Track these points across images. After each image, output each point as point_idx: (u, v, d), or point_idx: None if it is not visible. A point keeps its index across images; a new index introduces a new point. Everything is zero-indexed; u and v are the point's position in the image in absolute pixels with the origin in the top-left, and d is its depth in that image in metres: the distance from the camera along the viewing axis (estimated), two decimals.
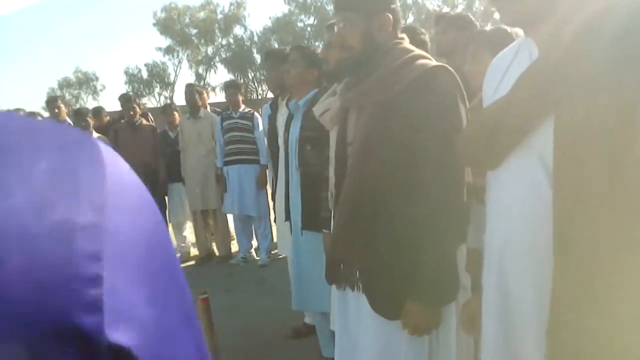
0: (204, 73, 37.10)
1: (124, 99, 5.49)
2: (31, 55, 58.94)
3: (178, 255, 5.62)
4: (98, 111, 7.18)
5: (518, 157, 1.11)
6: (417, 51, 1.62)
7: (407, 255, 1.50)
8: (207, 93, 6.26)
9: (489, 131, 1.16)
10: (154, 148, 5.41)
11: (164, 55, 37.69)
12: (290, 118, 2.69)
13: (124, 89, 38.41)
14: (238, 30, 36.48)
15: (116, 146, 5.29)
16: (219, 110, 5.76)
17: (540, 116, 1.04)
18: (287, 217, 2.71)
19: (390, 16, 1.60)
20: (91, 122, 5.35)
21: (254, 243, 5.38)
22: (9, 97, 52.19)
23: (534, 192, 1.07)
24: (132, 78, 37.75)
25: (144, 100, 34.53)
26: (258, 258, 5.21)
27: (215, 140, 5.24)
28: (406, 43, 1.67)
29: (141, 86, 36.94)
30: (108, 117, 6.89)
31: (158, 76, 37.88)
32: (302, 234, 2.50)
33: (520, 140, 1.09)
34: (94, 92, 37.27)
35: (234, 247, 5.54)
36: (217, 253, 5.55)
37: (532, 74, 1.07)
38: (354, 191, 1.58)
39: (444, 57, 2.67)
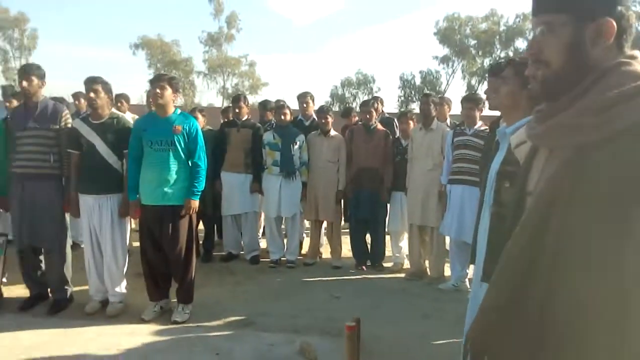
0: (477, 85, 36.36)
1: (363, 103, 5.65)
2: (322, 56, 66.65)
3: (391, 264, 5.53)
4: (348, 111, 7.61)
5: None
6: None
7: None
8: (450, 105, 5.97)
9: None
10: (385, 153, 5.41)
11: (439, 64, 38.26)
12: (496, 146, 2.26)
13: (396, 92, 40.45)
14: (520, 43, 34.58)
15: (350, 146, 5.47)
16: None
17: None
18: (472, 260, 2.31)
19: (614, 23, 1.11)
20: (331, 119, 5.56)
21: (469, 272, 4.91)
22: (299, 86, 60.45)
23: None
24: (405, 83, 39.40)
25: (412, 105, 35.58)
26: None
27: (444, 155, 4.94)
28: (638, 65, 1.14)
29: (412, 92, 38.21)
30: (356, 118, 7.20)
31: (430, 84, 38.63)
32: (480, 285, 2.08)
33: None
34: (369, 93, 40.04)
35: (447, 270, 5.16)
36: (428, 272, 5.26)
37: None
38: (519, 264, 1.16)
39: None
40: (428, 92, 6.11)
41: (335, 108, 31.03)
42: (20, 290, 4.31)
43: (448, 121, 5.88)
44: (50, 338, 3.53)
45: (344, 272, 5.37)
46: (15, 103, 5.45)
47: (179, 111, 4.03)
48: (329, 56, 66.40)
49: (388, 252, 5.70)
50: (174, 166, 3.88)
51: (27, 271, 4.14)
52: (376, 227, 5.53)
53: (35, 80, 3.98)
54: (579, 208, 1.05)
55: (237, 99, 5.82)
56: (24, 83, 3.96)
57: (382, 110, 7.80)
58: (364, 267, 5.48)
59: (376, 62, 66.04)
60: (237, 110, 5.66)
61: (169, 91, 3.91)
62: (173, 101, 3.99)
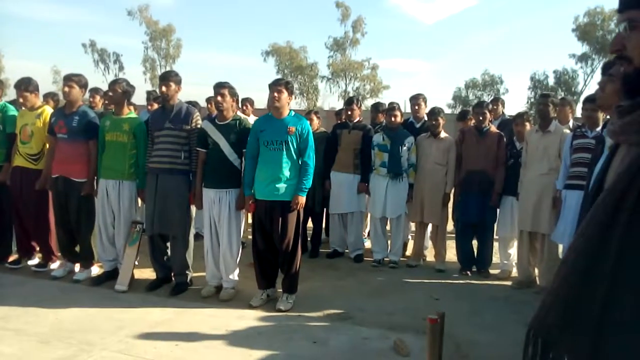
0: None
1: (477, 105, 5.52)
2: (448, 56, 64.88)
3: (498, 272, 5.36)
4: (463, 114, 7.44)
5: None
6: None
7: None
8: (572, 106, 5.60)
9: None
10: (496, 156, 5.25)
11: (576, 63, 35.47)
12: (602, 147, 2.16)
13: (526, 93, 38.19)
14: None
15: (460, 148, 5.39)
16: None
17: None
18: None
19: None
20: (442, 121, 5.50)
21: None
22: (421, 88, 59.47)
23: None
24: (537, 84, 37.07)
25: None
26: None
27: (562, 158, 4.68)
28: None
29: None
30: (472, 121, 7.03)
31: (565, 84, 35.97)
32: None
33: None
34: (496, 94, 38.29)
35: None
36: (537, 282, 5.01)
37: None
38: (585, 259, 1.16)
39: None
40: (546, 92, 5.77)
41: (457, 111, 30.11)
42: (148, 273, 4.89)
43: (571, 123, 5.52)
44: (171, 316, 3.99)
45: (447, 276, 5.31)
46: (155, 106, 6.16)
47: (293, 113, 4.32)
48: (455, 57, 64.52)
49: (496, 258, 5.52)
50: (286, 164, 4.17)
51: (155, 256, 4.69)
52: (484, 232, 5.38)
53: (172, 86, 4.51)
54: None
55: (349, 101, 6.02)
56: (163, 88, 4.50)
57: (503, 112, 7.53)
58: (468, 273, 5.36)
59: (505, 62, 62.70)
60: (349, 113, 5.85)
61: (285, 94, 4.21)
62: (288, 104, 4.29)
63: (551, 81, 36.48)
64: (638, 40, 1.12)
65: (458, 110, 31.19)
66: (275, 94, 4.18)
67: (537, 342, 1.29)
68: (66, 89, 4.69)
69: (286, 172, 4.17)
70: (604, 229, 1.11)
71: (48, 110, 5.06)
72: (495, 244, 5.56)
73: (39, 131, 4.93)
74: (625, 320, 1.05)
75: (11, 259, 5.18)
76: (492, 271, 5.40)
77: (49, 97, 6.93)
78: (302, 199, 4.22)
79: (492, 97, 34.74)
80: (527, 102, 37.00)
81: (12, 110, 5.16)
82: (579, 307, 1.14)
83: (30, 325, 3.71)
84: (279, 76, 36.56)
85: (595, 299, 1.10)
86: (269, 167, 4.18)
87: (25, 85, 4.94)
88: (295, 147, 4.20)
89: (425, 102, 6.09)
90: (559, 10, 60.32)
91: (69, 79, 4.71)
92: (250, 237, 4.96)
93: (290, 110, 4.32)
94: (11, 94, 5.56)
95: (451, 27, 63.22)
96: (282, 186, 4.16)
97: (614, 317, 1.07)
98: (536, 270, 5.07)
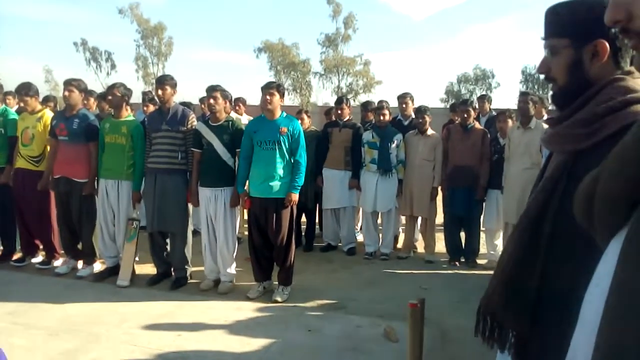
0: None
1: (461, 103, 5.72)
2: (439, 51, 65.16)
3: (485, 262, 5.59)
4: (455, 107, 7.64)
5: None
6: None
7: None
8: (545, 104, 5.83)
9: None
10: (481, 152, 5.47)
11: None
12: None
13: (518, 87, 38.48)
14: None
15: (447, 144, 5.61)
16: None
17: None
18: None
19: (606, 44, 1.29)
20: (428, 119, 5.73)
21: None
22: (414, 83, 59.98)
23: None
24: (528, 77, 37.38)
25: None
26: None
27: (542, 154, 4.90)
28: (631, 80, 1.31)
29: (536, 86, 36.11)
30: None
31: None
32: None
33: None
34: (488, 89, 38.57)
35: None
36: None
37: None
38: (523, 239, 1.38)
39: None
40: (525, 90, 5.99)
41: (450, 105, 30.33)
42: (149, 269, 5.09)
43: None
44: (172, 309, 4.19)
45: (436, 266, 5.54)
46: (151, 108, 6.31)
47: (284, 114, 4.52)
48: (446, 51, 64.79)
49: (483, 249, 5.75)
50: (279, 163, 4.38)
51: (155, 252, 4.88)
52: (470, 224, 5.61)
53: (168, 89, 4.69)
54: (569, 204, 1.27)
55: (339, 101, 6.21)
56: (159, 92, 4.69)
57: (490, 109, 7.73)
58: (457, 263, 5.60)
59: (496, 56, 63.16)
60: (339, 112, 6.04)
61: (276, 97, 4.42)
62: (280, 106, 4.50)
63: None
64: (559, 64, 1.36)
65: (451, 104, 31.45)
66: (268, 97, 4.38)
67: (486, 319, 1.52)
68: (66, 93, 4.86)
69: (279, 171, 4.38)
70: (535, 223, 1.34)
71: (48, 113, 5.23)
72: (483, 236, 5.79)
73: (39, 134, 5.09)
74: (556, 293, 1.27)
75: (16, 257, 5.36)
76: (479, 261, 5.63)
77: (49, 100, 7.09)
78: (295, 196, 4.43)
79: (482, 92, 35.12)
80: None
81: (13, 114, 5.33)
82: (516, 287, 1.37)
83: (38, 320, 3.90)
84: (272, 73, 36.81)
85: (530, 280, 1.34)
86: (263, 166, 4.38)
87: (26, 90, 5.10)
88: (287, 146, 4.40)
89: (413, 101, 6.30)
90: (551, 3, 60.51)
91: (69, 84, 4.88)
92: (246, 232, 5.16)
93: (282, 111, 4.52)
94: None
95: (442, 22, 63.52)
96: (275, 184, 4.36)
97: (546, 293, 1.29)
98: None
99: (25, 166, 5.12)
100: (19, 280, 4.83)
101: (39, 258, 5.35)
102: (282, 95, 4.51)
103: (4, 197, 5.21)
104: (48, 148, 5.09)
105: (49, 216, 5.18)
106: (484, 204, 5.61)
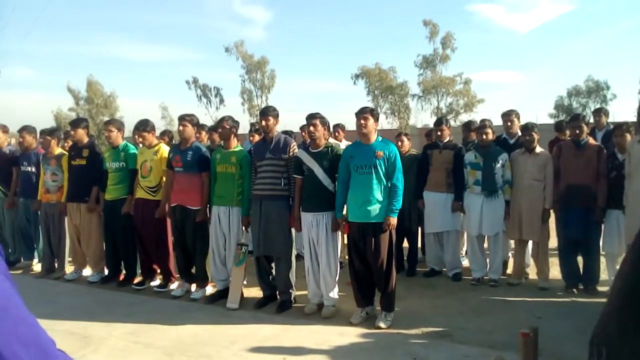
0: None
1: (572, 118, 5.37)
2: (546, 65, 61.69)
3: (607, 289, 5.11)
4: (560, 125, 7.20)
5: None
6: None
7: None
8: None
9: None
10: (597, 169, 5.07)
11: None
12: None
13: (636, 98, 35.26)
14: None
15: (557, 162, 5.27)
16: None
17: None
18: None
19: None
20: (536, 136, 5.43)
21: None
22: (518, 99, 57.13)
23: None
24: None
25: None
26: None
27: None
28: None
29: None
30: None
31: None
32: None
33: None
34: (603, 101, 35.78)
35: None
36: None
37: None
38: (635, 267, 1.26)
39: None
40: None
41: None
42: (255, 292, 5.27)
43: None
44: (278, 332, 4.30)
45: (551, 294, 5.16)
46: (256, 137, 6.65)
47: (380, 138, 4.54)
48: (553, 64, 61.24)
49: (603, 275, 5.27)
50: (376, 187, 4.38)
51: (261, 276, 5.07)
52: (589, 248, 5.18)
53: (271, 120, 4.93)
54: None
55: (439, 122, 6.10)
56: (263, 122, 4.94)
57: (607, 122, 7.21)
58: (574, 290, 5.17)
59: (611, 66, 58.40)
60: (439, 133, 5.93)
61: (371, 121, 4.46)
62: (375, 129, 4.52)
63: None
64: None
65: (555, 122, 29.60)
66: (362, 122, 4.43)
67: (601, 352, 1.38)
68: (181, 127, 5.28)
69: (377, 195, 4.37)
70: None
71: (164, 147, 5.69)
72: (603, 260, 5.32)
73: (156, 166, 5.56)
74: None
75: (136, 280, 5.83)
76: (600, 288, 5.16)
77: (165, 134, 7.73)
78: (394, 220, 4.39)
79: (596, 105, 32.73)
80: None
81: (133, 149, 5.87)
82: (633, 315, 1.24)
83: (156, 340, 4.18)
84: (370, 97, 37.12)
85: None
86: (360, 190, 4.40)
87: (144, 126, 5.62)
88: (383, 170, 4.40)
89: (518, 118, 6.03)
90: None
91: (182, 119, 5.30)
92: (347, 257, 5.19)
93: (378, 135, 4.54)
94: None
95: (546, 34, 60.20)
96: (373, 208, 4.36)
97: None
98: None
99: (144, 196, 5.58)
100: (139, 302, 5.24)
101: (156, 281, 5.77)
102: (376, 119, 4.54)
103: (126, 225, 5.71)
104: (164, 179, 5.52)
105: (166, 242, 5.59)
106: (602, 226, 5.16)
